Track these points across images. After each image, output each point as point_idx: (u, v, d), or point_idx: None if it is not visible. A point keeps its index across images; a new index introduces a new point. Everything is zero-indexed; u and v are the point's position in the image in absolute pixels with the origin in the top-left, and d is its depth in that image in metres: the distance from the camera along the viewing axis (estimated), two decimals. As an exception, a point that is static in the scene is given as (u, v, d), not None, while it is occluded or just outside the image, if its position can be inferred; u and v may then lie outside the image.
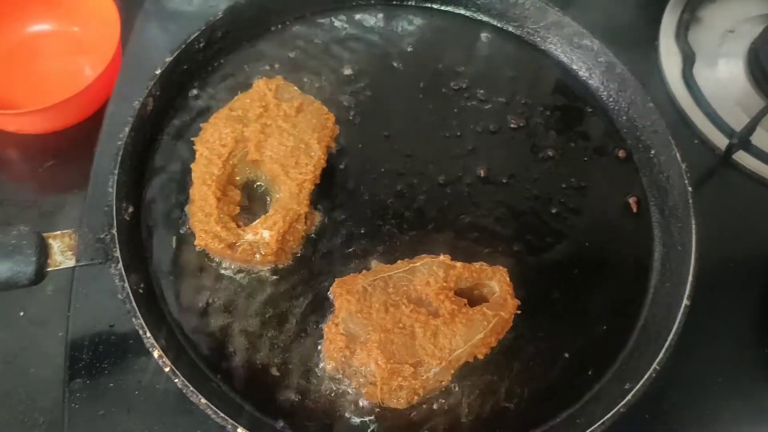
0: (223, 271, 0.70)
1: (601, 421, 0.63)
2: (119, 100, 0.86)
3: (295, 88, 0.76)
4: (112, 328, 0.72)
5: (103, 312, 0.73)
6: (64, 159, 0.97)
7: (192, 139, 0.74)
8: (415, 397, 0.63)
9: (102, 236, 0.66)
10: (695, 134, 0.92)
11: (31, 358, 0.83)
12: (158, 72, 0.75)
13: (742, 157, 0.90)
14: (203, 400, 0.60)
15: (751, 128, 0.88)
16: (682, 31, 1.00)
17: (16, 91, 1.01)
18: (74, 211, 0.91)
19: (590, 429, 0.62)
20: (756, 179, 0.89)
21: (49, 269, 0.64)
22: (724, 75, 0.98)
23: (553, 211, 0.78)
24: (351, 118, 0.81)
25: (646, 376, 0.65)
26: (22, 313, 0.85)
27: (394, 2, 0.90)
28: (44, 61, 1.05)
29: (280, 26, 0.86)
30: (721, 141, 0.91)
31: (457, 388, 0.67)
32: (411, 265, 0.67)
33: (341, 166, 0.78)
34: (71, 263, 0.65)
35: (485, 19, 0.91)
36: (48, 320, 0.84)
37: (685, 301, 0.68)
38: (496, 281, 0.68)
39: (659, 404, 0.74)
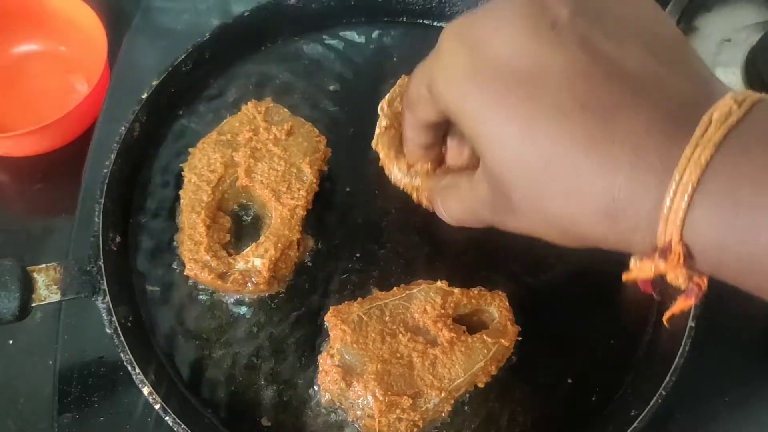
0: (213, 301, 0.68)
1: (607, 449, 0.61)
2: (107, 122, 0.84)
3: (285, 110, 0.74)
4: (102, 360, 0.71)
5: (92, 343, 0.71)
6: (53, 182, 0.95)
7: (181, 164, 0.72)
8: (415, 429, 0.61)
9: (88, 268, 0.64)
10: (695, 146, 0.91)
11: (21, 388, 0.81)
12: (144, 96, 0.73)
13: (743, 169, 0.88)
14: (195, 438, 0.58)
15: (751, 139, 0.86)
16: (679, 41, 0.99)
17: (3, 113, 0.99)
18: (64, 236, 0.88)
19: (595, 458, 0.61)
20: (758, 191, 0.87)
21: (33, 304, 0.62)
22: (722, 84, 0.96)
23: (553, 230, 0.76)
24: (343, 138, 0.78)
25: (652, 402, 0.63)
26: (11, 342, 0.83)
27: (386, 19, 0.88)
28: (32, 82, 1.02)
29: (269, 45, 0.84)
30: (721, 152, 0.89)
31: (457, 418, 0.64)
32: (407, 291, 0.65)
33: (334, 189, 0.75)
34: (56, 298, 0.63)
35: (479, 33, 0.89)
36: (37, 349, 0.82)
37: (690, 323, 0.66)
38: (495, 307, 0.66)
39: (665, 426, 0.72)
